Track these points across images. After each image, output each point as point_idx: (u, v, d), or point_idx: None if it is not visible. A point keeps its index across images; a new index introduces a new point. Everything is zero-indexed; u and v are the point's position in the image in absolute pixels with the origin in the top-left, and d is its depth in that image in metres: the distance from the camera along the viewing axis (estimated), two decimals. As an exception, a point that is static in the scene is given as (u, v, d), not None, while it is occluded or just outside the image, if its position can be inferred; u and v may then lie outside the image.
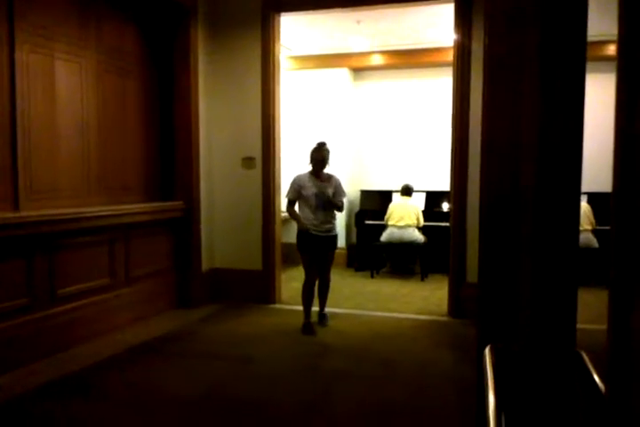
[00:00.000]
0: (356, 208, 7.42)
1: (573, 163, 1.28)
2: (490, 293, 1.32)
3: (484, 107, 1.50)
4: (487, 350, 1.11)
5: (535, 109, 1.28)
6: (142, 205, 4.83)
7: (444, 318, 4.91)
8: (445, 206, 6.96)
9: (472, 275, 4.88)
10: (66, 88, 4.20)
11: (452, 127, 4.95)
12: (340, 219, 7.45)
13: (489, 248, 1.40)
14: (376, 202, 7.25)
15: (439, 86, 7.07)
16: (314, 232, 4.54)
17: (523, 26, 1.29)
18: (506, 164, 1.35)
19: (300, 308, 4.76)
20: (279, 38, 5.41)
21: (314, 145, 4.68)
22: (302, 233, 4.56)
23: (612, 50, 6.26)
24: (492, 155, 1.41)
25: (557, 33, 1.25)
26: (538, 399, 0.98)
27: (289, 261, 6.77)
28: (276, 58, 5.37)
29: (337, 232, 4.77)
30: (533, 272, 1.20)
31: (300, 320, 4.66)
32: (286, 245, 6.18)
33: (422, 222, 6.60)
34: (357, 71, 7.66)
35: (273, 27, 5.30)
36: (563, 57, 1.24)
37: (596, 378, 0.97)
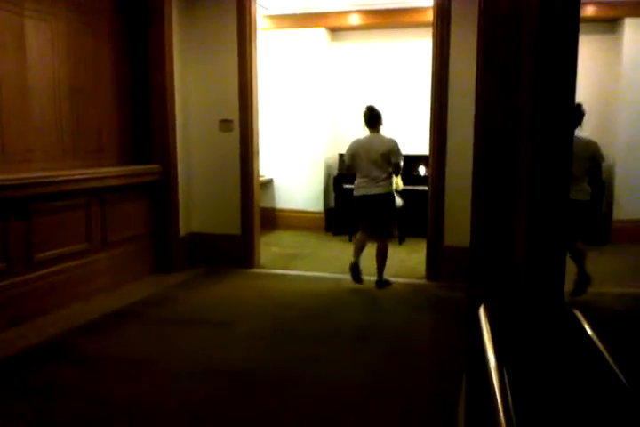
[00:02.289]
0: (334, 172, 7.39)
1: (566, 141, 1.27)
2: (482, 252, 1.33)
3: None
4: (482, 309, 1.12)
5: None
6: (118, 169, 4.74)
7: (422, 281, 4.98)
8: (422, 170, 6.97)
9: (449, 238, 4.93)
10: (36, 48, 4.04)
11: (432, 90, 4.91)
12: (318, 183, 7.44)
13: (482, 207, 1.40)
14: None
15: (418, 48, 6.97)
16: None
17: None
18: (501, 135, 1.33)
19: (280, 272, 4.95)
20: (255, -4, 5.26)
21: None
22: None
23: (589, 11, 6.23)
24: (485, 119, 1.39)
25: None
26: (535, 356, 1.00)
27: (267, 226, 6.77)
28: (252, 17, 5.23)
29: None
30: (528, 230, 1.21)
31: (281, 284, 4.70)
32: (265, 210, 6.16)
33: (401, 186, 6.61)
34: (335, 31, 7.50)
35: (249, -16, 5.13)
36: (557, 21, 1.23)
37: (593, 336, 0.99)
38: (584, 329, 1.03)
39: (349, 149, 4.89)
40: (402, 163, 4.89)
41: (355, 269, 4.78)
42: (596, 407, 0.86)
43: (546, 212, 1.21)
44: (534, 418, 0.79)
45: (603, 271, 5.03)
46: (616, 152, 6.47)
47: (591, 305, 3.99)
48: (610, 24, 6.55)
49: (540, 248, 1.22)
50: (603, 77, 6.56)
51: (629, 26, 6.35)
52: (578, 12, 1.26)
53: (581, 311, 1.13)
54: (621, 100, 6.45)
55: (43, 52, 4.10)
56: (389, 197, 4.86)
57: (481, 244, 1.36)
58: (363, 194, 4.80)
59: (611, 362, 0.91)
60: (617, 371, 0.90)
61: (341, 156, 7.24)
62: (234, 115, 5.29)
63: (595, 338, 0.99)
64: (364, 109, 4.90)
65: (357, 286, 4.82)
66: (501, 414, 0.74)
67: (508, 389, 0.80)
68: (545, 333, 1.09)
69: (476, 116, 1.52)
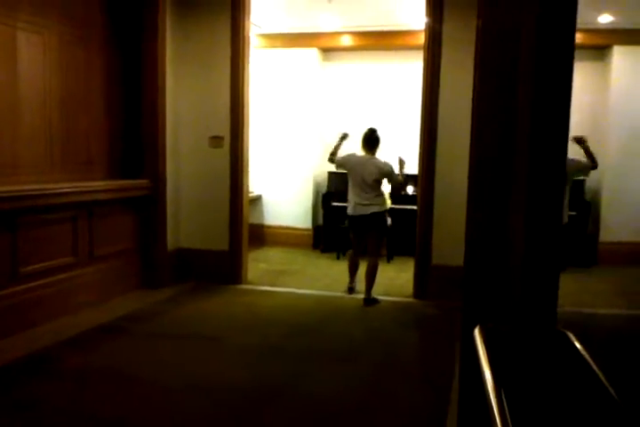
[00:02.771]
0: (323, 190, 7.42)
1: (560, 145, 1.30)
2: (477, 274, 1.34)
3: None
4: (477, 330, 1.13)
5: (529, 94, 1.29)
6: (107, 183, 4.73)
7: (410, 300, 4.98)
8: (410, 189, 7.02)
9: (437, 257, 4.96)
10: (28, 60, 4.04)
11: (422, 111, 4.97)
12: (307, 200, 7.46)
13: (477, 227, 1.42)
14: (343, 184, 7.21)
15: (409, 70, 7.07)
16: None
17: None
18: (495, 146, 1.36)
19: (267, 288, 5.05)
20: (249, 15, 5.31)
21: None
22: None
23: (578, 38, 6.35)
24: (482, 129, 1.42)
25: (550, 18, 1.27)
26: (531, 377, 1.01)
27: (255, 242, 6.75)
28: (246, 35, 5.28)
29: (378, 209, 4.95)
30: (526, 253, 1.23)
31: (268, 301, 4.70)
32: (253, 226, 6.15)
33: (389, 204, 6.65)
34: (327, 52, 7.58)
35: (243, 3, 5.19)
36: (554, 41, 1.26)
37: (586, 357, 1.00)
38: (577, 350, 1.05)
39: (346, 159, 5.04)
40: (401, 179, 5.09)
41: (351, 293, 5.07)
42: (591, 424, 0.87)
43: (543, 231, 1.23)
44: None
45: (592, 292, 5.08)
46: (604, 176, 6.57)
47: (581, 326, 4.02)
48: (599, 51, 6.69)
49: (536, 269, 1.23)
50: (591, 103, 6.67)
51: (618, 53, 6.49)
52: (573, 34, 1.30)
53: (573, 332, 1.14)
54: (610, 126, 6.56)
55: (34, 65, 4.10)
56: (383, 215, 5.01)
57: (475, 264, 1.37)
58: (360, 214, 4.93)
59: (605, 382, 0.92)
60: (611, 390, 0.91)
61: (330, 173, 7.29)
62: (224, 131, 5.31)
63: (588, 358, 1.00)
64: (366, 131, 5.04)
65: (345, 303, 4.82)
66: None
67: (506, 409, 0.81)
68: (539, 354, 1.10)
69: (472, 136, 1.54)
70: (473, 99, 1.53)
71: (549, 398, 0.91)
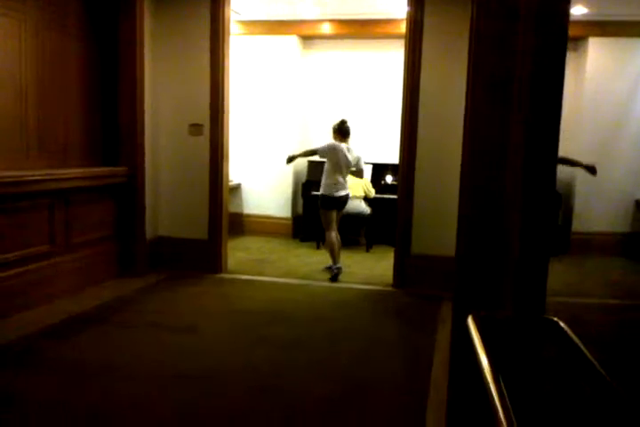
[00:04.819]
0: (303, 179, 7.40)
1: (551, 142, 1.31)
2: (469, 262, 1.35)
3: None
4: (470, 319, 1.14)
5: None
6: (83, 170, 4.65)
7: (389, 289, 5.02)
8: (390, 179, 7.05)
9: (417, 246, 4.99)
10: (3, 46, 3.94)
11: (403, 100, 4.97)
12: (287, 189, 7.44)
13: (470, 216, 1.43)
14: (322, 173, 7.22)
15: (390, 59, 7.07)
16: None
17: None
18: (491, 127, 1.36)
19: (247, 277, 5.14)
20: (229, 1, 5.24)
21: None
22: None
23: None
24: (477, 117, 1.42)
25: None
26: (526, 364, 1.02)
27: (234, 231, 6.72)
28: (225, 22, 5.21)
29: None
30: (521, 242, 1.24)
31: (248, 290, 4.72)
32: (233, 215, 6.12)
33: (373, 194, 6.68)
34: (307, 40, 7.53)
35: (223, -12, 5.12)
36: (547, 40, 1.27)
37: (579, 344, 1.02)
38: (568, 337, 1.06)
39: (330, 147, 5.38)
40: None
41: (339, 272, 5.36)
42: (589, 408, 0.89)
43: (537, 221, 1.24)
44: (533, 422, 0.81)
45: (563, 283, 5.17)
46: (577, 168, 6.66)
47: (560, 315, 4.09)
48: (573, 43, 6.75)
49: (529, 257, 1.25)
50: (566, 95, 6.71)
51: (593, 45, 6.56)
52: (567, 25, 1.31)
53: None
54: (583, 117, 6.64)
55: (9, 51, 4.00)
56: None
57: (467, 252, 1.38)
58: (341, 195, 5.43)
59: (598, 367, 0.94)
60: (604, 374, 0.93)
61: (310, 162, 7.28)
62: (204, 119, 5.25)
63: (580, 345, 1.02)
64: (337, 122, 5.41)
65: (324, 291, 4.84)
66: (502, 420, 0.75)
67: (505, 395, 0.82)
68: (532, 341, 1.11)
69: (466, 127, 1.55)
70: (467, 91, 1.53)
71: (545, 383, 0.93)
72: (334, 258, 5.40)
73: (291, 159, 5.69)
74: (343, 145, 5.35)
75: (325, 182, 5.43)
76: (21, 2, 4.05)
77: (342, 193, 5.43)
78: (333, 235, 5.43)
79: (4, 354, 3.29)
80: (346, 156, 5.34)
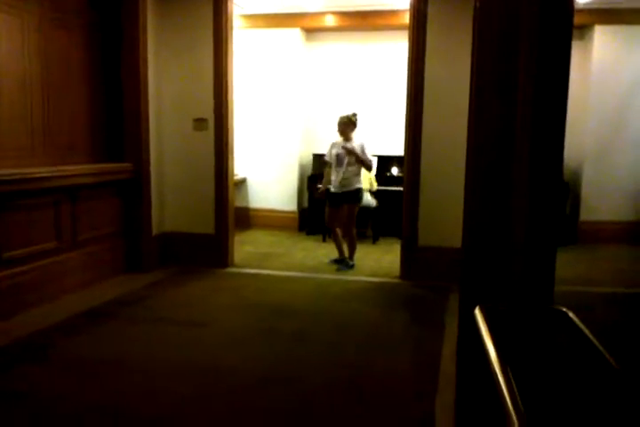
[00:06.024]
0: (308, 172, 7.39)
1: (558, 126, 1.30)
2: (476, 253, 1.34)
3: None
4: (477, 310, 1.13)
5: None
6: (89, 166, 4.66)
7: (396, 280, 5.01)
8: (395, 171, 7.03)
9: (423, 238, 4.98)
10: (7, 42, 3.94)
11: (408, 92, 4.94)
12: (292, 183, 7.43)
13: (476, 207, 1.41)
14: (328, 166, 7.21)
15: (394, 50, 7.01)
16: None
17: None
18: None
19: (254, 271, 5.16)
20: (232, -6, 5.22)
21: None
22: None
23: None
24: (482, 104, 1.41)
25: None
26: (534, 354, 1.02)
27: (240, 225, 6.72)
28: (228, 16, 5.19)
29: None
30: (527, 232, 1.23)
31: (255, 283, 4.78)
32: (238, 209, 6.12)
33: (375, 187, 6.66)
34: (310, 32, 7.49)
35: (225, -18, 5.09)
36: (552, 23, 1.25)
37: (588, 334, 1.01)
38: (577, 327, 1.06)
39: (328, 149, 5.57)
40: None
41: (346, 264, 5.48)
42: (598, 398, 0.89)
43: (544, 211, 1.23)
44: (542, 413, 0.81)
45: (572, 272, 5.15)
46: (584, 156, 6.62)
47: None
48: (579, 31, 6.69)
49: (536, 248, 1.24)
50: (572, 83, 6.65)
51: (599, 33, 6.49)
52: (572, 16, 1.29)
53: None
54: (590, 105, 6.59)
55: (13, 48, 4.00)
56: None
57: (474, 244, 1.37)
58: (335, 192, 5.47)
59: (608, 357, 0.93)
60: (614, 365, 0.92)
61: (315, 156, 7.27)
62: (208, 113, 5.24)
63: (589, 335, 1.01)
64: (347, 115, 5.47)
65: (331, 284, 4.85)
66: (511, 410, 0.75)
67: (514, 385, 0.82)
68: (540, 331, 1.11)
69: (471, 117, 1.53)
70: (471, 80, 1.52)
71: (554, 374, 0.92)
72: (339, 252, 5.55)
73: (324, 190, 5.70)
74: (339, 140, 5.44)
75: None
76: (25, 0, 4.04)
77: (336, 190, 5.45)
78: (336, 231, 5.55)
79: (16, 350, 3.31)
80: (337, 151, 5.41)
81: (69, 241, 4.44)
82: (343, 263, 5.45)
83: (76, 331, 3.64)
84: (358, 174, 5.44)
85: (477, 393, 1.19)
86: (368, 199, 6.57)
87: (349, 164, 5.34)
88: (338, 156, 5.37)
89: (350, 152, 5.27)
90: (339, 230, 5.53)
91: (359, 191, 5.48)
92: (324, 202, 5.68)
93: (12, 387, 2.84)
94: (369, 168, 5.60)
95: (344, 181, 5.37)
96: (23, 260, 3.98)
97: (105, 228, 4.84)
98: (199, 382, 2.92)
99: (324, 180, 5.68)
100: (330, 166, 5.53)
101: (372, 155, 6.39)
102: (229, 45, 5.23)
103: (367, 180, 6.53)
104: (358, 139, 5.44)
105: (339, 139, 5.46)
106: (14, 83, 4.03)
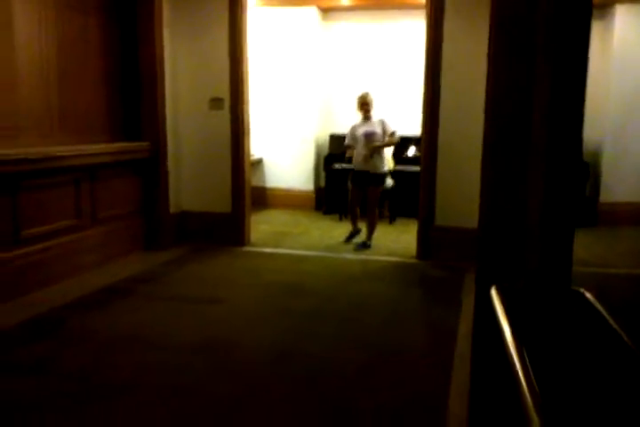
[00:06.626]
0: (325, 152, 7.36)
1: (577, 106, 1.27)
2: (492, 233, 1.34)
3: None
4: (493, 290, 1.13)
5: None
6: (107, 146, 4.69)
7: (413, 260, 5.01)
8: (411, 151, 6.98)
9: (440, 218, 4.96)
10: (24, 24, 3.95)
11: (425, 71, 4.88)
12: (308, 162, 7.41)
13: (492, 187, 1.40)
14: (344, 146, 7.18)
15: (411, 29, 6.90)
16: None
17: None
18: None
19: (271, 250, 5.20)
20: (248, -29, 5.16)
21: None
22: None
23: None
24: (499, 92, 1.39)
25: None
26: (551, 336, 1.02)
27: (257, 205, 6.74)
28: (244, -7, 5.13)
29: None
30: (542, 212, 1.22)
31: (271, 262, 4.81)
32: (255, 188, 6.13)
33: (392, 167, 6.63)
34: (326, 11, 7.39)
35: (242, -42, 5.03)
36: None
37: (606, 315, 1.01)
38: (595, 308, 1.05)
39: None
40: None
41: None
42: (615, 380, 0.88)
43: (560, 191, 1.22)
44: (558, 394, 0.81)
45: (591, 254, 5.11)
46: (604, 137, 6.50)
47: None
48: (600, 10, 6.50)
49: (553, 228, 1.23)
50: (593, 62, 6.51)
51: (620, 11, 6.32)
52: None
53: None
54: (611, 85, 6.45)
55: (31, 32, 4.02)
56: None
57: (490, 223, 1.36)
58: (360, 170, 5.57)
59: (627, 340, 0.92)
60: (632, 346, 0.91)
61: (332, 136, 7.23)
62: (224, 93, 5.23)
63: (607, 316, 1.00)
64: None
65: (348, 263, 4.87)
66: (526, 391, 0.75)
67: (529, 367, 0.82)
68: (557, 312, 1.10)
69: (488, 94, 1.51)
70: (489, 59, 1.49)
71: (570, 355, 0.92)
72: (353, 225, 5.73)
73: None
74: (358, 121, 5.55)
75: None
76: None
77: (361, 167, 5.52)
78: (356, 209, 5.67)
79: (36, 326, 3.38)
80: (364, 129, 5.46)
81: (89, 219, 4.50)
82: (360, 243, 5.48)
83: (94, 307, 3.71)
84: (383, 156, 5.55)
85: (492, 373, 1.20)
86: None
87: (376, 141, 5.45)
88: (366, 133, 5.42)
89: (374, 149, 5.41)
90: (358, 209, 5.64)
91: (385, 175, 5.66)
92: (344, 181, 5.71)
93: (30, 362, 2.90)
94: (396, 144, 5.92)
95: (371, 162, 5.44)
96: (43, 237, 4.04)
97: (123, 206, 4.89)
98: (215, 359, 2.97)
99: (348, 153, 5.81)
100: (353, 148, 5.60)
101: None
102: (244, 24, 5.19)
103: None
104: (377, 116, 5.50)
105: (358, 120, 5.54)
106: (32, 64, 4.05)
